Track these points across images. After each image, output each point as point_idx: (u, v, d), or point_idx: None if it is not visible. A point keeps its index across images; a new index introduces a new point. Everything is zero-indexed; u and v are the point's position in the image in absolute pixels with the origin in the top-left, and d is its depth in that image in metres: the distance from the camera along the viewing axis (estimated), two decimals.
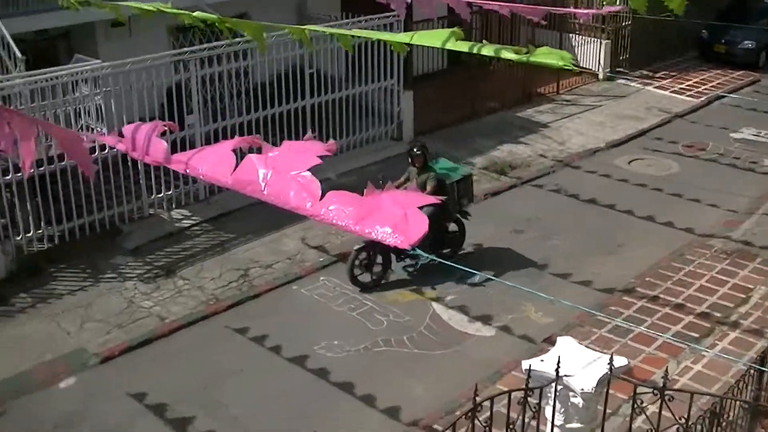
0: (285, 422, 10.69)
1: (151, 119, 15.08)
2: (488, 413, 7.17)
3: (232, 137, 16.38)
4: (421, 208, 13.64)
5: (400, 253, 13.60)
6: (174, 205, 16.04)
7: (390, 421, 10.74)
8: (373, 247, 13.33)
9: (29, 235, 14.34)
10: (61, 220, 14.61)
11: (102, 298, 13.34)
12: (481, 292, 13.56)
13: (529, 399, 6.75)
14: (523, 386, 6.85)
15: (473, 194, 14.78)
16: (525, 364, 7.17)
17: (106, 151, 14.32)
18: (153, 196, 15.71)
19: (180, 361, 11.99)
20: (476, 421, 6.32)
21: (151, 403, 11.07)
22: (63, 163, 14.38)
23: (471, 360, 11.98)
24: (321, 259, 14.49)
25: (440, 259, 13.11)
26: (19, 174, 13.93)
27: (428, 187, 13.61)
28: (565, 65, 4.59)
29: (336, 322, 12.82)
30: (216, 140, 16.38)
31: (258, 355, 12.09)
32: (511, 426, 6.94)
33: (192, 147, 15.45)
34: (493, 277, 13.44)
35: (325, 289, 13.73)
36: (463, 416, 6.30)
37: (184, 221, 15.69)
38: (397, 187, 13.06)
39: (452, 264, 12.29)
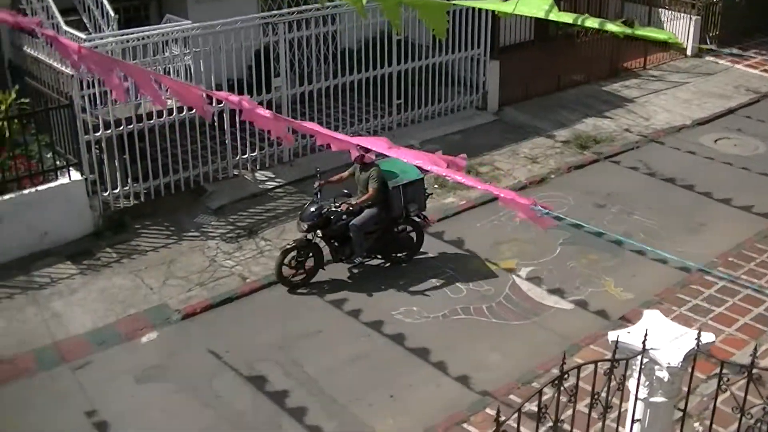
0: (360, 385, 10.67)
1: (239, 81, 15.30)
2: (571, 383, 7.02)
3: (318, 101, 16.54)
4: (361, 210, 12.56)
5: (339, 254, 12.83)
6: (258, 167, 16.09)
7: (465, 389, 10.65)
8: (305, 246, 12.57)
9: (116, 191, 14.51)
10: (148, 178, 14.76)
11: (185, 255, 13.47)
12: (561, 265, 13.35)
13: (614, 371, 6.60)
14: (605, 359, 6.71)
15: (425, 201, 13.12)
16: (612, 336, 7.01)
17: (188, 112, 14.46)
18: (237, 157, 15.77)
19: (259, 320, 12.05)
20: (561, 389, 6.20)
21: (229, 361, 11.15)
22: (151, 122, 14.50)
23: (548, 332, 11.81)
24: None
25: (379, 260, 13.16)
26: (109, 131, 14.10)
27: (370, 189, 12.54)
28: (670, 39, 4.51)
29: (415, 289, 12.75)
30: (302, 104, 16.47)
31: (336, 317, 12.09)
32: (595, 397, 6.80)
33: (278, 110, 15.50)
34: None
35: None
36: (551, 383, 6.19)
37: (268, 183, 15.73)
38: (339, 181, 12.97)
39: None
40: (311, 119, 15.98)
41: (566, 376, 6.32)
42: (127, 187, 14.60)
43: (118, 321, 11.91)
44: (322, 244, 12.81)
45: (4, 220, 13.23)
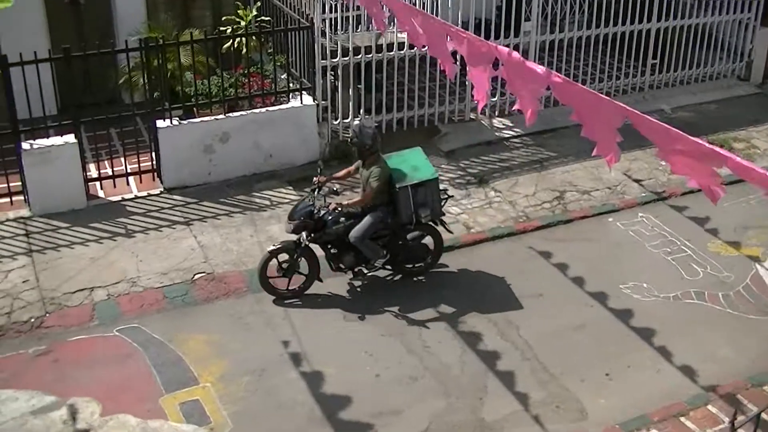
0: (575, 357, 10.54)
1: (486, 21, 15.27)
2: None
3: (567, 52, 16.31)
4: (362, 215, 11.39)
5: (337, 263, 11.56)
6: (497, 113, 16.08)
7: (687, 380, 10.29)
8: (293, 250, 11.33)
9: (347, 121, 14.85)
10: (380, 111, 15.04)
11: None
12: None
13: None
14: None
15: (441, 205, 11.72)
16: None
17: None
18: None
19: (478, 274, 12.10)
20: None
21: (445, 312, 11.28)
22: (391, 54, 14.71)
23: None
24: (642, 194, 14.11)
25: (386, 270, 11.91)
26: (346, 58, 14.44)
27: (368, 189, 11.30)
28: None
29: (648, 264, 12.43)
30: (550, 52, 16.30)
31: (559, 282, 11.98)
32: None
33: (525, 56, 15.38)
34: None
35: (642, 227, 13.32)
36: None
37: (505, 131, 15.70)
38: (345, 177, 11.95)
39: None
40: (558, 70, 15.80)
41: None
42: (358, 118, 14.96)
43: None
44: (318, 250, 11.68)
45: (232, 137, 13.86)
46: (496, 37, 15.26)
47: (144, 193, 13.65)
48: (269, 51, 14.98)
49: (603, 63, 16.86)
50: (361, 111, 14.88)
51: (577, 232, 13.14)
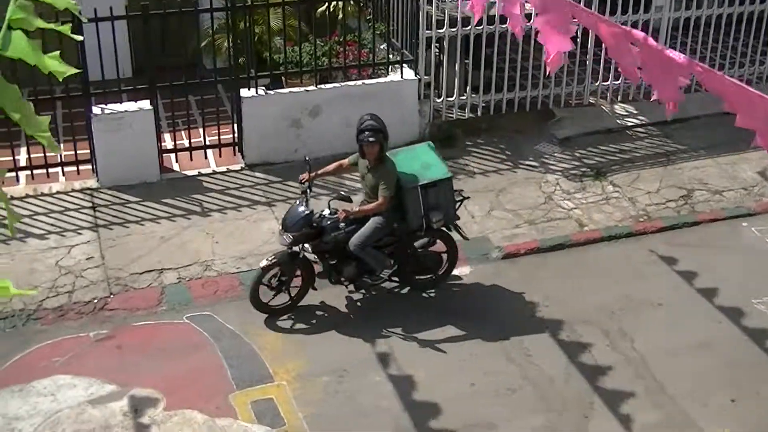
0: (698, 378, 10.25)
1: None
2: None
3: (704, 32, 15.94)
4: (364, 220, 10.85)
5: (336, 274, 11.08)
6: (619, 98, 15.85)
7: None
8: (290, 263, 10.91)
9: (451, 99, 14.79)
10: (489, 90, 14.93)
11: (517, 186, 13.57)
12: None
13: None
14: None
15: (455, 208, 11.26)
16: None
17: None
18: (597, 83, 15.59)
19: (591, 276, 11.95)
20: None
21: (546, 317, 11.15)
22: (504, 26, 14.56)
23: None
24: None
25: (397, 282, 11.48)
26: (454, 29, 14.34)
27: (380, 197, 10.71)
28: None
29: None
30: (684, 32, 15.96)
31: (682, 292, 11.73)
32: None
33: (655, 36, 15.12)
34: None
35: None
36: None
37: (628, 119, 15.47)
38: (336, 172, 11.54)
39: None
40: (693, 54, 15.49)
41: None
42: (463, 97, 14.81)
43: None
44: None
45: (323, 112, 13.88)
46: (623, 12, 15.00)
47: (223, 169, 13.79)
48: (368, 18, 14.99)
49: (745, 46, 16.44)
50: (468, 89, 14.78)
51: (706, 237, 12.88)
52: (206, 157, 13.94)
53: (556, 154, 14.44)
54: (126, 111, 13.12)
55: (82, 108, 13.05)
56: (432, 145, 11.59)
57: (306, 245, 10.79)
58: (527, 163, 14.16)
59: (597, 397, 10.00)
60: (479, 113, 15.02)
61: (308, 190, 10.98)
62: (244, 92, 13.71)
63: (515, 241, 12.40)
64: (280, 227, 10.97)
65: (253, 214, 12.69)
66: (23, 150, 13.41)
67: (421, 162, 11.16)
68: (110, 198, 12.98)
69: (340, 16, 14.40)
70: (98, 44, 12.48)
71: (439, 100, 14.77)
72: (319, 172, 11.24)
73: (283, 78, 14.03)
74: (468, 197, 11.82)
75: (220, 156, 13.94)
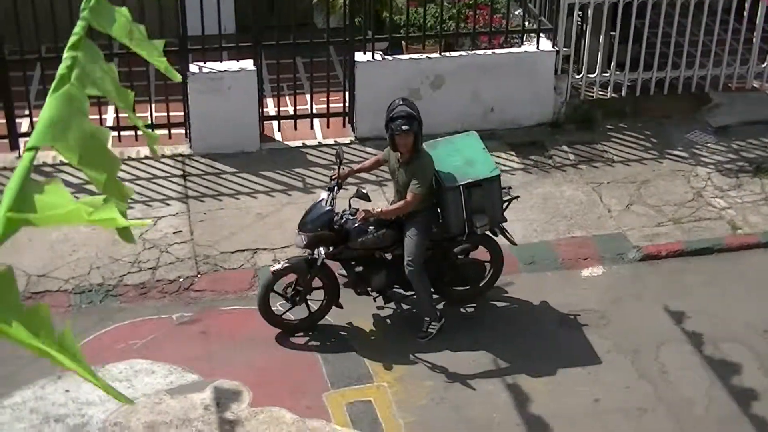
0: None
1: None
2: None
3: None
4: (398, 225, 10.45)
5: (363, 284, 10.69)
6: None
7: None
8: (305, 270, 10.44)
9: (592, 76, 14.69)
10: (636, 68, 14.77)
11: (663, 178, 13.46)
12: None
13: None
14: None
15: (502, 211, 10.76)
16: None
17: None
18: (765, 65, 15.37)
19: (743, 287, 11.77)
20: None
21: (688, 329, 11.01)
22: None
23: None
24: None
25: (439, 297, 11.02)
26: None
27: (409, 195, 10.18)
28: None
29: None
30: None
31: None
32: None
33: None
34: None
35: None
36: None
37: None
38: (371, 169, 11.31)
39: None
40: None
41: None
42: (607, 74, 14.70)
43: (557, 241, 12.21)
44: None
45: (447, 83, 13.90)
46: None
47: (330, 141, 13.91)
48: None
49: None
50: (612, 65, 14.65)
51: None
52: (312, 127, 14.09)
53: (709, 145, 14.24)
54: (226, 71, 13.32)
55: (178, 65, 13.12)
56: (477, 136, 11.09)
57: (323, 250, 10.33)
58: (675, 153, 14.00)
59: (743, 427, 9.85)
60: (623, 93, 14.90)
61: (335, 188, 10.60)
62: (359, 56, 13.80)
63: (656, 241, 12.27)
64: (297, 228, 10.51)
65: (379, 196, 12.70)
66: (110, 109, 13.67)
67: (464, 157, 10.67)
68: (203, 167, 13.20)
69: None
70: None
71: (578, 77, 14.67)
72: (355, 168, 11.22)
73: (403, 43, 14.08)
74: (518, 196, 11.46)
75: (328, 127, 14.09)
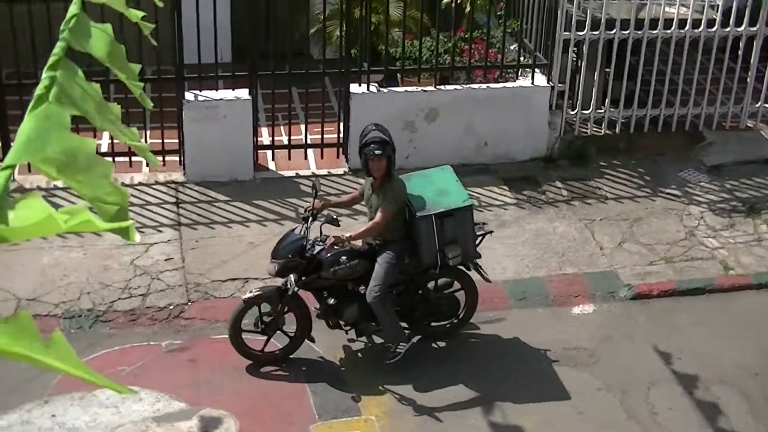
0: None
1: None
2: None
3: None
4: (371, 255, 10.38)
5: (335, 317, 10.56)
6: None
7: None
8: (275, 300, 10.38)
9: (586, 112, 14.70)
10: (630, 104, 14.78)
11: (655, 216, 13.45)
12: None
13: None
14: None
15: (475, 243, 10.73)
16: None
17: (706, 28, 14.33)
18: (758, 105, 15.34)
19: (735, 329, 11.74)
20: None
21: (678, 370, 10.96)
22: (654, 32, 14.39)
23: None
24: None
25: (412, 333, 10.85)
26: (596, 33, 14.21)
27: (379, 215, 10.21)
28: None
29: None
30: None
31: None
32: None
33: None
34: None
35: None
36: None
37: None
38: (348, 204, 11.39)
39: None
40: None
41: None
42: (601, 110, 14.71)
43: (549, 277, 12.18)
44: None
45: (441, 115, 13.90)
46: None
47: (324, 171, 13.91)
48: (499, 13, 14.95)
49: None
50: (606, 101, 14.66)
51: None
52: (306, 158, 14.10)
53: (702, 184, 14.25)
54: (222, 99, 13.33)
55: (174, 93, 13.23)
56: (451, 169, 11.14)
57: (293, 278, 10.29)
58: (668, 191, 14.01)
59: None
60: (617, 130, 14.92)
61: (311, 219, 10.53)
62: (354, 88, 13.81)
63: (648, 279, 12.26)
64: (271, 256, 10.45)
65: (354, 224, 12.70)
66: (105, 135, 13.65)
67: (437, 188, 10.71)
68: (196, 194, 13.19)
69: (468, 9, 14.42)
70: (197, 23, 12.67)
71: (572, 112, 14.68)
72: (332, 202, 11.30)
73: (398, 75, 14.08)
74: (491, 231, 11.36)
75: (322, 157, 14.09)
